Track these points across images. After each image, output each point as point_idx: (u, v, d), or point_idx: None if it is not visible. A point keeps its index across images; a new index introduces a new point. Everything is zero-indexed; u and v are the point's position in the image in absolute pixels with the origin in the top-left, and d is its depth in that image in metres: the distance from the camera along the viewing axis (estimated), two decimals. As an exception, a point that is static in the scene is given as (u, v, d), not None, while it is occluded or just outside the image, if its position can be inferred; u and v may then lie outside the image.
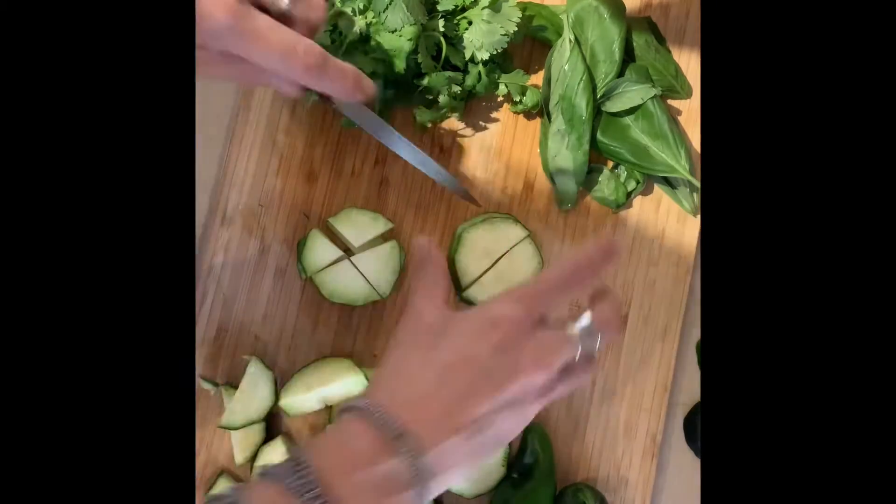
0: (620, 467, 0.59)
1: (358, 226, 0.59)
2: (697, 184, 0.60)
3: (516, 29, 0.57)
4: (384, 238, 0.59)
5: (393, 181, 0.61)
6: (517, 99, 0.60)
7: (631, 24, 0.61)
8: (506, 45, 0.57)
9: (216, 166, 0.61)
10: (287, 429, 0.59)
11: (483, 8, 0.57)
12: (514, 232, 0.59)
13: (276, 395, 0.58)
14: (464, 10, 0.58)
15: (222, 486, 0.57)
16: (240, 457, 0.57)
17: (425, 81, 0.57)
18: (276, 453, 0.56)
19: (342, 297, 0.58)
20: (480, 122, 0.62)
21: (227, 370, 0.59)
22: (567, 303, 0.47)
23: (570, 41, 0.58)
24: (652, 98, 0.59)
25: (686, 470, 0.60)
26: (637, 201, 0.62)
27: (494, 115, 0.62)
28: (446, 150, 0.61)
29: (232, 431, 0.57)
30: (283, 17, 0.46)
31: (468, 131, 0.62)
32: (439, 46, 0.57)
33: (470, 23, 0.57)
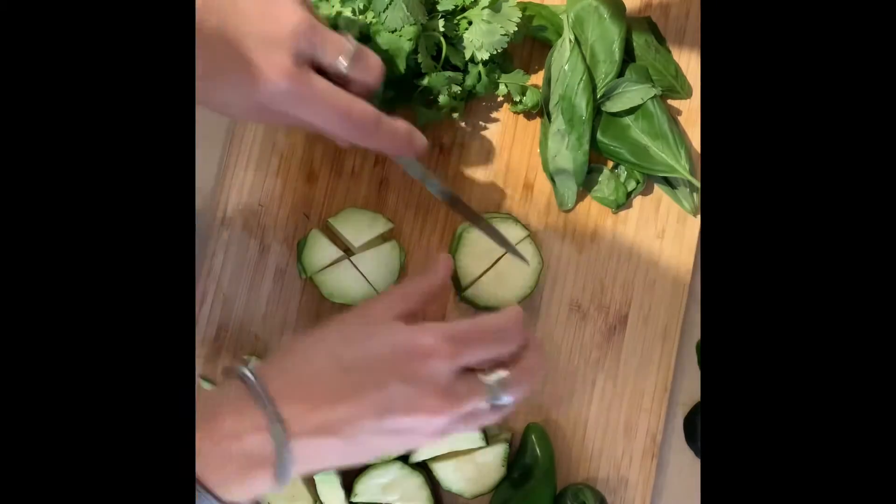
0: (620, 467, 0.59)
1: (358, 226, 0.59)
2: (697, 184, 0.60)
3: (516, 29, 0.57)
4: (384, 238, 0.59)
5: (393, 181, 0.61)
6: (517, 99, 0.60)
7: (631, 24, 0.61)
8: (506, 45, 0.57)
9: (216, 166, 0.61)
10: (287, 429, 0.59)
11: (483, 8, 0.57)
12: (514, 232, 0.59)
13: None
14: (464, 10, 0.58)
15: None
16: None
17: (425, 81, 0.57)
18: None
19: (342, 297, 0.58)
20: (480, 122, 0.62)
21: (227, 370, 0.59)
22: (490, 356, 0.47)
23: (570, 41, 0.58)
24: (652, 98, 0.59)
25: (686, 470, 0.60)
26: (637, 201, 0.62)
27: (494, 115, 0.62)
28: (446, 150, 0.61)
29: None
30: (341, 77, 0.47)
31: (468, 131, 0.62)
32: (439, 46, 0.57)
33: (470, 23, 0.57)
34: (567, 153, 0.59)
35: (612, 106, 0.60)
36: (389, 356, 0.43)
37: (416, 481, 0.56)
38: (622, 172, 0.61)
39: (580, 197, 0.61)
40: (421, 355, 0.43)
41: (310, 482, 0.56)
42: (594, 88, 0.59)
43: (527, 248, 0.59)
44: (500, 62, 0.60)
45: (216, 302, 0.60)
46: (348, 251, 0.59)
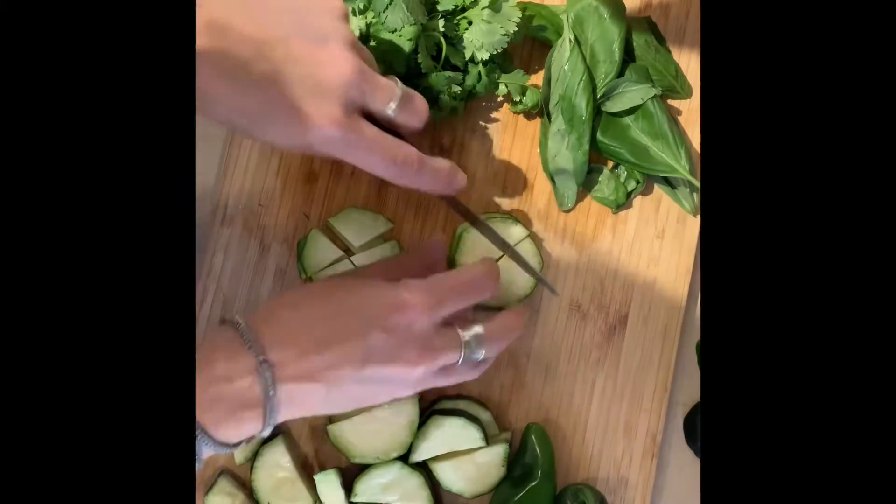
0: (620, 467, 0.59)
1: (358, 226, 0.59)
2: (697, 184, 0.60)
3: (516, 29, 0.57)
4: (384, 238, 0.59)
5: (393, 181, 0.61)
6: (517, 99, 0.60)
7: (631, 24, 0.61)
8: (506, 45, 0.57)
9: (216, 166, 0.61)
10: (287, 429, 0.59)
11: (483, 8, 0.57)
12: (514, 232, 0.59)
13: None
14: (464, 10, 0.58)
15: (222, 485, 0.57)
16: (240, 457, 0.57)
17: (425, 81, 0.57)
18: (276, 453, 0.56)
19: (342, 297, 0.58)
20: (480, 122, 0.62)
21: (227, 370, 0.59)
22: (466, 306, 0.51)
23: (570, 41, 0.58)
24: (652, 98, 0.59)
25: (686, 470, 0.61)
26: (637, 201, 0.62)
27: (494, 115, 0.62)
28: (446, 150, 0.61)
29: (232, 431, 0.57)
30: (388, 121, 0.49)
31: (468, 131, 0.62)
32: (439, 46, 0.57)
33: (470, 23, 0.57)
34: (567, 153, 0.59)
35: (612, 106, 0.60)
36: (372, 308, 0.46)
37: (416, 481, 0.56)
38: (622, 172, 0.61)
39: (580, 197, 0.61)
40: (401, 308, 0.46)
41: (310, 482, 0.57)
42: (594, 88, 0.59)
43: (527, 248, 0.59)
44: (500, 62, 0.60)
45: (216, 302, 0.60)
46: (348, 251, 0.59)
